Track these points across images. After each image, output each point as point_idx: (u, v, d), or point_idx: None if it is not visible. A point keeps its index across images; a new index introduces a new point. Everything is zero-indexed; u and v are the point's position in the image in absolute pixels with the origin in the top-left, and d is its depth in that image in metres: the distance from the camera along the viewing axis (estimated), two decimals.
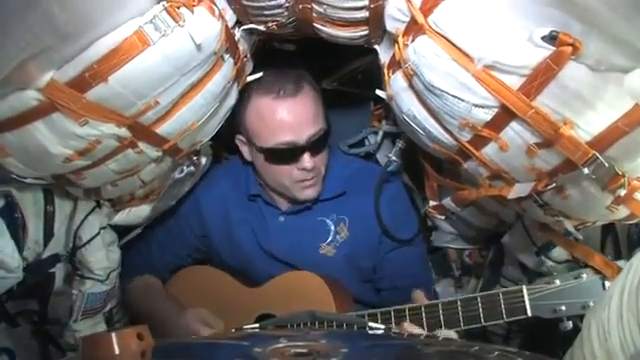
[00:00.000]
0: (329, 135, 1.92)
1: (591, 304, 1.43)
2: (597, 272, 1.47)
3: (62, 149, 1.42)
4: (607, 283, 1.44)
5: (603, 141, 1.17)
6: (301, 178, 1.89)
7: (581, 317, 1.38)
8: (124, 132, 1.45)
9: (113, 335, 1.00)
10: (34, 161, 1.47)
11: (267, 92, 1.79)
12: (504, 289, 1.56)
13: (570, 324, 1.47)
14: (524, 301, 1.51)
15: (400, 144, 1.96)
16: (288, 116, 1.79)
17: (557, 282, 1.49)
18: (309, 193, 1.95)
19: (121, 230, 2.01)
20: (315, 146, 1.85)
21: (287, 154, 1.84)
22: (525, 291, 1.51)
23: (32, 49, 1.18)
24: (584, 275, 1.48)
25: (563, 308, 1.47)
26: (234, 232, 2.07)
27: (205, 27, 1.35)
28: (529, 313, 1.50)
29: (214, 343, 1.13)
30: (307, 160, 1.84)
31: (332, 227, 2.00)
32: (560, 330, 1.49)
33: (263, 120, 1.82)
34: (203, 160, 1.95)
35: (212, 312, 1.92)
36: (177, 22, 1.29)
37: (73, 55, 1.27)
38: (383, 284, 2.04)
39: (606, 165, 1.17)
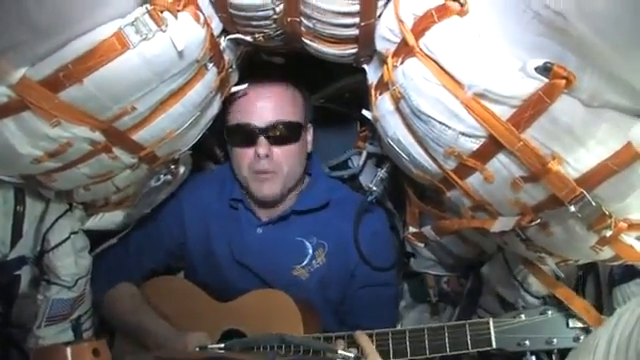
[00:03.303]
0: (298, 135, 1.91)
1: (555, 341, 1.49)
2: (563, 308, 1.51)
3: (31, 149, 1.37)
4: (571, 322, 1.50)
5: (592, 179, 1.13)
6: (256, 168, 1.87)
7: (546, 352, 1.52)
8: (98, 136, 1.41)
9: (68, 349, 0.96)
10: (1, 160, 1.42)
11: (250, 80, 1.82)
12: (471, 320, 1.60)
13: (533, 359, 1.53)
14: (490, 333, 1.55)
15: (381, 174, 1.95)
16: (254, 98, 1.84)
17: (522, 317, 1.55)
18: (265, 189, 1.92)
19: (94, 237, 1.95)
20: (276, 136, 1.84)
21: (244, 135, 1.85)
22: (491, 323, 1.56)
23: (4, 43, 1.14)
24: (549, 312, 1.53)
25: (527, 342, 1.52)
26: (211, 241, 2.04)
27: (188, 33, 1.31)
28: (494, 345, 1.54)
29: None
30: (262, 146, 1.83)
31: (310, 250, 1.98)
32: None
33: (234, 99, 1.84)
34: (181, 169, 1.90)
35: (178, 324, 1.88)
36: (159, 26, 1.24)
37: (48, 53, 1.22)
38: (347, 319, 2.01)
39: (593, 204, 1.13)
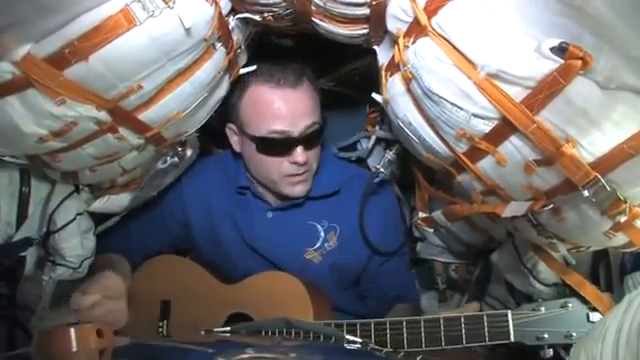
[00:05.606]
0: (323, 131, 1.88)
1: (574, 335, 1.42)
2: (584, 301, 1.46)
3: (36, 128, 1.35)
4: (592, 315, 1.44)
5: (607, 163, 1.10)
6: (291, 172, 1.84)
7: (563, 345, 1.44)
8: (104, 115, 1.39)
9: (71, 330, 0.95)
10: (5, 139, 1.41)
11: (266, 81, 1.75)
12: (489, 312, 1.54)
13: (550, 352, 1.47)
14: (508, 326, 1.49)
15: (389, 155, 1.92)
16: (285, 105, 1.75)
17: (542, 309, 1.48)
18: (298, 189, 1.90)
19: (98, 218, 1.95)
20: (309, 140, 1.81)
21: (279, 145, 1.79)
22: (510, 316, 1.50)
23: (7, 19, 1.12)
24: (570, 305, 1.46)
25: (546, 336, 1.46)
26: (216, 225, 2.02)
27: (196, 11, 1.29)
28: (512, 338, 1.48)
29: (177, 347, 1.07)
30: (300, 153, 1.79)
31: (322, 234, 1.96)
32: (540, 357, 1.48)
33: (259, 108, 1.77)
34: (189, 152, 1.88)
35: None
36: (166, 3, 1.22)
37: (52, 29, 1.20)
38: (371, 292, 2.05)
39: (608, 189, 1.10)
